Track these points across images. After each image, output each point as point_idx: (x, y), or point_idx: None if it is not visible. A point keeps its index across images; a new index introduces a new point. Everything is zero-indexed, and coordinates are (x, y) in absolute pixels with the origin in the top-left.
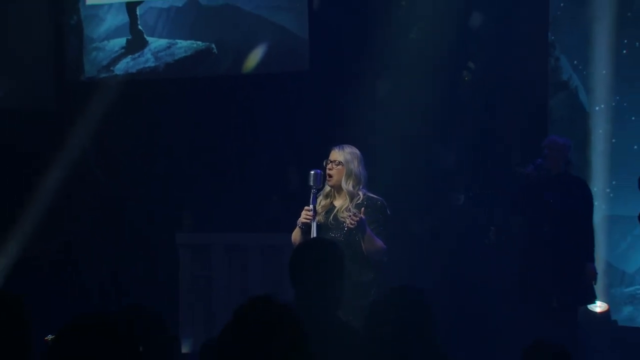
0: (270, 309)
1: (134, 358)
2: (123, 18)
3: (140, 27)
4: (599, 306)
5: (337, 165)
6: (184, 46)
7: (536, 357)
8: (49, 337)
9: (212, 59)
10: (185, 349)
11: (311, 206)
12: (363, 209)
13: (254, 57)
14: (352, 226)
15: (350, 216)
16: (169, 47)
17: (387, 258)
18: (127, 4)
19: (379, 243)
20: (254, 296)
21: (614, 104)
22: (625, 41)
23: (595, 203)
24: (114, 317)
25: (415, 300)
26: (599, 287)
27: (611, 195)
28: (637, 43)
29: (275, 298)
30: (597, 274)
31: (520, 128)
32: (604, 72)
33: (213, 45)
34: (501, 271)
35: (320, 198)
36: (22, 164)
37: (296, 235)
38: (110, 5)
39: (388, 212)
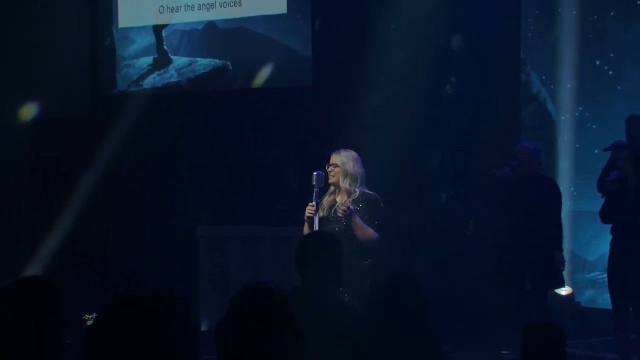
0: (261, 293)
1: (163, 335)
2: (150, 39)
3: (165, 47)
4: (564, 290)
5: (335, 167)
6: (203, 63)
7: (535, 336)
8: (87, 316)
9: (228, 75)
10: (204, 328)
11: (314, 202)
12: (351, 200)
13: (264, 74)
14: (341, 215)
15: (340, 207)
16: (190, 65)
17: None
18: (154, 27)
19: (370, 231)
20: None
21: (577, 114)
22: (587, 59)
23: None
24: (145, 299)
25: (409, 284)
26: (564, 273)
27: (575, 193)
28: (598, 61)
29: (266, 284)
30: (564, 261)
31: (496, 134)
32: (569, 86)
33: (228, 63)
34: (478, 258)
35: (326, 195)
36: (61, 165)
37: (305, 228)
38: (140, 27)
39: (381, 205)
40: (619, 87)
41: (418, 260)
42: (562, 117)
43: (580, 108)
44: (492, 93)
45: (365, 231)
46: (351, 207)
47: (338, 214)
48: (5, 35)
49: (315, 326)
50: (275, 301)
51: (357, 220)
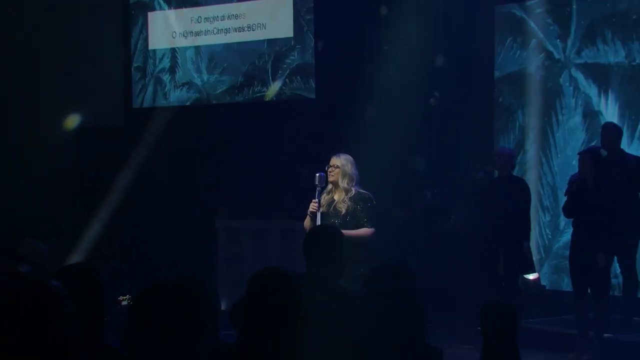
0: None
1: (191, 311)
2: (176, 59)
3: (189, 65)
4: (532, 275)
5: (335, 168)
6: (221, 80)
7: (490, 314)
8: (121, 297)
9: (243, 90)
10: (222, 307)
11: (316, 200)
12: (344, 204)
13: (273, 89)
14: (333, 211)
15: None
16: (210, 81)
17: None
18: (179, 48)
19: (361, 233)
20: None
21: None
22: (551, 78)
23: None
24: (176, 282)
25: (401, 269)
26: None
27: (542, 191)
28: (560, 79)
29: (280, 268)
30: (530, 250)
31: (473, 141)
32: (538, 102)
33: (243, 79)
34: (458, 247)
35: (324, 194)
36: (99, 166)
37: (307, 221)
38: (167, 49)
39: (374, 202)
40: (579, 102)
41: (406, 249)
42: (531, 127)
43: (545, 119)
44: (470, 105)
45: (359, 236)
46: (342, 209)
47: (331, 209)
48: (51, 57)
49: (319, 307)
50: (288, 283)
51: (346, 232)
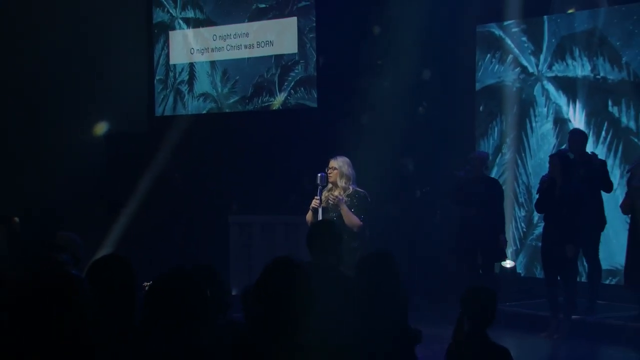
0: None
1: (204, 297)
2: (195, 72)
3: (206, 78)
4: (508, 263)
5: (334, 170)
6: (234, 91)
7: (472, 299)
8: (145, 283)
9: (253, 100)
10: (233, 293)
11: (318, 197)
12: (346, 194)
13: (280, 99)
14: (332, 202)
15: (332, 198)
16: (224, 92)
17: (368, 232)
18: (197, 63)
19: (355, 218)
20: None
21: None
22: (525, 90)
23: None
24: (191, 271)
25: (387, 259)
26: (508, 250)
27: (517, 190)
28: (533, 90)
29: (292, 258)
30: (507, 241)
31: (456, 145)
32: (514, 111)
33: (253, 90)
34: (442, 239)
35: (325, 192)
36: (126, 167)
37: (309, 216)
38: (186, 63)
39: (369, 199)
40: (550, 111)
41: (397, 241)
42: (510, 135)
43: (521, 125)
44: (454, 113)
45: (351, 217)
46: (339, 197)
47: (329, 201)
48: (84, 70)
49: (321, 291)
50: (300, 269)
51: (344, 207)
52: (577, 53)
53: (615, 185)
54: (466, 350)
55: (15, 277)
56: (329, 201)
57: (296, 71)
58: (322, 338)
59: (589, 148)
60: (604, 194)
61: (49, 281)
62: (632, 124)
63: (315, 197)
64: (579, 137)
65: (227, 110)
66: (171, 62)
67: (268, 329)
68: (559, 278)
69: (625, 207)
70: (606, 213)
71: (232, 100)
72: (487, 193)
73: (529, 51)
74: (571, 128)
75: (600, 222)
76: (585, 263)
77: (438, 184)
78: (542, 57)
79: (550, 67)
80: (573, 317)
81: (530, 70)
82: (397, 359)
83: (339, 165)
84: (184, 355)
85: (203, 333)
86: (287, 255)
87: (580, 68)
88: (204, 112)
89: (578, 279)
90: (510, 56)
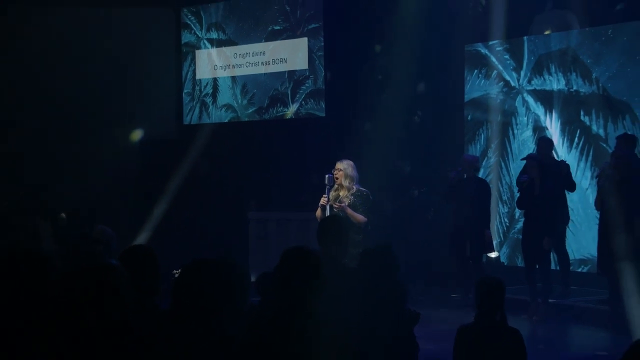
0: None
1: (225, 282)
2: (218, 86)
3: (228, 91)
4: (492, 254)
5: (339, 171)
6: (252, 102)
7: (486, 287)
8: (174, 271)
9: (269, 110)
10: (252, 279)
11: (326, 195)
12: (347, 199)
13: (292, 109)
14: (337, 209)
15: (337, 205)
16: (243, 103)
17: (370, 227)
18: (220, 78)
19: (359, 216)
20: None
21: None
22: (508, 102)
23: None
24: (215, 260)
25: (387, 250)
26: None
27: (501, 189)
28: (515, 102)
29: (307, 246)
30: (491, 235)
31: (448, 149)
32: (498, 120)
33: (269, 102)
34: (436, 234)
35: (332, 191)
36: (157, 170)
37: (318, 212)
38: (210, 78)
39: (371, 198)
40: (530, 120)
41: (396, 235)
42: (494, 142)
43: (505, 138)
44: (445, 122)
45: (355, 216)
46: (343, 205)
47: (334, 209)
48: (121, 84)
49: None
50: (312, 254)
51: (348, 210)
52: (553, 69)
53: (586, 186)
54: (481, 333)
55: (61, 265)
56: (335, 206)
57: (306, 85)
58: (330, 318)
59: (564, 153)
60: (576, 194)
61: (95, 271)
62: (601, 132)
63: (324, 196)
64: (546, 144)
65: (246, 119)
66: (197, 77)
67: (282, 308)
68: (537, 267)
69: (597, 204)
70: (579, 210)
71: (250, 111)
72: (476, 192)
73: (511, 67)
74: (547, 135)
75: (565, 218)
76: (554, 254)
77: (431, 184)
78: (522, 73)
79: (529, 81)
80: (550, 300)
81: (512, 84)
82: (397, 337)
83: (344, 167)
84: (210, 336)
85: (227, 316)
86: (302, 245)
87: (555, 82)
88: (226, 121)
89: (553, 268)
90: (495, 72)
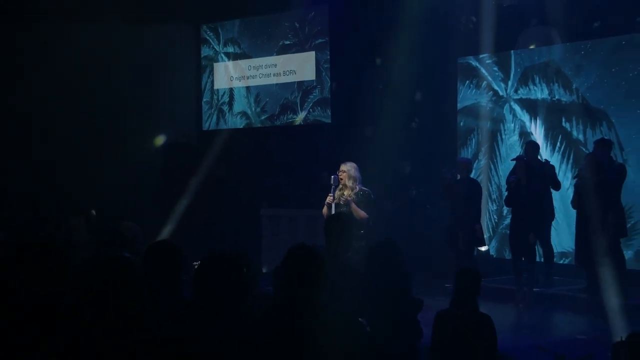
0: (304, 249)
1: (239, 273)
2: (234, 95)
3: (243, 100)
4: (483, 248)
5: (344, 173)
6: (265, 110)
7: (463, 277)
8: (194, 263)
9: (280, 117)
10: (265, 271)
11: (331, 194)
12: (351, 197)
13: (301, 116)
14: (344, 201)
15: (344, 202)
16: (256, 111)
17: (371, 222)
18: (236, 88)
19: (361, 213)
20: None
21: (490, 141)
22: (496, 110)
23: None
24: (231, 254)
25: (391, 244)
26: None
27: (490, 188)
28: (503, 110)
29: (307, 244)
30: (482, 229)
31: (443, 152)
32: (487, 126)
33: (280, 109)
34: (432, 230)
35: (337, 191)
36: (179, 171)
37: (325, 210)
38: (226, 88)
39: (372, 196)
40: (516, 126)
41: (395, 230)
42: (483, 147)
43: (493, 137)
44: (440, 127)
45: (358, 212)
46: (348, 199)
47: (341, 201)
48: (145, 94)
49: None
50: (313, 251)
51: (353, 205)
52: (537, 80)
53: (567, 185)
54: (456, 317)
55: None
56: (341, 201)
57: (314, 94)
58: (337, 306)
59: (547, 156)
60: (558, 193)
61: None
62: (580, 137)
63: (329, 195)
64: (532, 147)
65: (259, 126)
66: (215, 87)
67: (289, 297)
68: (523, 259)
69: (574, 203)
70: (560, 208)
71: (263, 117)
72: (468, 191)
73: (499, 78)
74: (532, 140)
75: (550, 214)
76: (540, 247)
77: (428, 184)
78: (509, 83)
79: (516, 91)
80: (534, 289)
81: (500, 93)
82: (402, 322)
83: (347, 169)
84: (226, 320)
85: (241, 302)
86: (303, 242)
87: (540, 92)
88: (241, 127)
89: (538, 260)
90: (485, 82)
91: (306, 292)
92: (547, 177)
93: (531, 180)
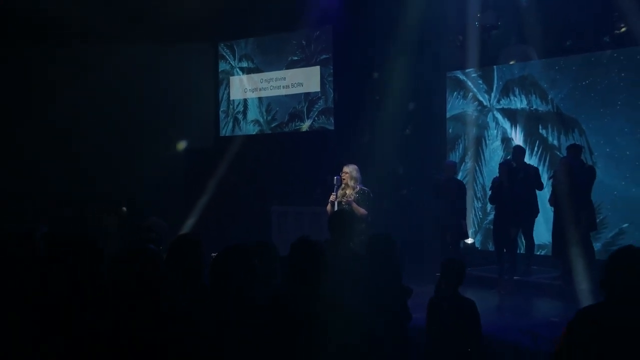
0: (307, 242)
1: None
2: (248, 105)
3: (255, 109)
4: (469, 241)
5: (346, 174)
6: (275, 118)
7: (448, 266)
8: (213, 254)
9: (288, 124)
10: None
11: (335, 193)
12: (352, 196)
13: (307, 124)
14: (344, 202)
15: (345, 201)
16: (268, 119)
17: (370, 218)
18: (249, 98)
19: (362, 210)
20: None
21: (476, 146)
22: (481, 118)
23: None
24: (247, 245)
25: (388, 237)
26: (469, 231)
27: (476, 188)
28: (487, 118)
29: (310, 237)
30: (467, 225)
31: (434, 156)
32: (473, 133)
33: (288, 118)
34: (422, 225)
35: (340, 190)
36: (199, 173)
37: (329, 207)
38: (241, 99)
39: (371, 195)
40: (499, 132)
41: (391, 226)
42: (469, 152)
43: (478, 142)
44: (430, 134)
45: (359, 210)
46: (350, 199)
47: (343, 202)
48: (169, 105)
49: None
50: (315, 244)
51: (354, 204)
52: (517, 92)
53: (544, 186)
54: (444, 302)
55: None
56: (343, 199)
57: (319, 104)
58: (338, 292)
59: (526, 159)
60: (538, 192)
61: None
62: (555, 142)
63: (333, 194)
64: (519, 151)
65: (269, 132)
66: (231, 98)
67: (295, 286)
68: (504, 251)
69: (550, 201)
70: (539, 205)
71: (273, 125)
72: (455, 190)
73: (484, 90)
74: (513, 145)
75: (534, 211)
76: (523, 240)
77: (420, 184)
78: (492, 95)
79: (498, 101)
80: (515, 277)
81: (485, 104)
82: (394, 307)
83: (349, 170)
84: (241, 306)
85: (251, 288)
86: (305, 236)
87: (519, 102)
88: (254, 133)
89: (517, 251)
90: (470, 94)
91: (309, 278)
92: (531, 178)
93: (515, 182)
